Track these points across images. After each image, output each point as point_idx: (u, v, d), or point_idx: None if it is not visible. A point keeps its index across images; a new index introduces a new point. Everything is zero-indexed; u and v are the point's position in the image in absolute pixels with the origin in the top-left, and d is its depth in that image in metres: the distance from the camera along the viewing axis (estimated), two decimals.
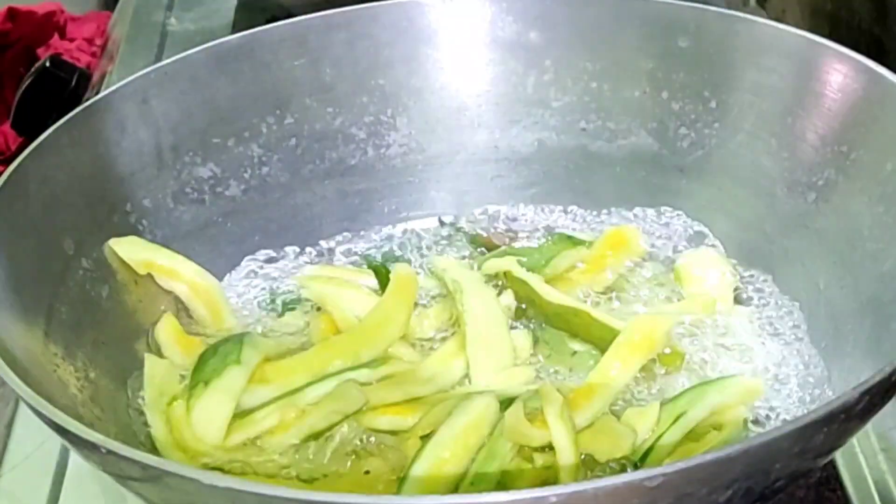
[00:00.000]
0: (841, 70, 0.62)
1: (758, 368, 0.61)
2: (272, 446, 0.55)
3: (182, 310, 0.64)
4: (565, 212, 0.72)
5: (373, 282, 0.66)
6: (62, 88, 1.09)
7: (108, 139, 0.63)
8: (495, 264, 0.65)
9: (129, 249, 0.62)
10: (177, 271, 0.63)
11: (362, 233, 0.71)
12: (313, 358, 0.59)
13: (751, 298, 0.65)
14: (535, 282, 0.63)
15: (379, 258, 0.69)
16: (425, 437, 0.54)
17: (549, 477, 0.52)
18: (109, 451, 0.42)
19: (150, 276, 0.62)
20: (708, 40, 0.68)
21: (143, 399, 0.58)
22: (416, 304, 0.63)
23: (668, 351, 0.60)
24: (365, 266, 0.68)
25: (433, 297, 0.65)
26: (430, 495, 0.51)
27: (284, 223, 0.70)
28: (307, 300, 0.66)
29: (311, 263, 0.69)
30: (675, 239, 0.69)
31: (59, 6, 1.34)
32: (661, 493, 0.39)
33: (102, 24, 1.32)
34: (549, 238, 0.68)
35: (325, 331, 0.62)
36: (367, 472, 0.54)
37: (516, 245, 0.69)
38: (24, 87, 1.12)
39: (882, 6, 0.87)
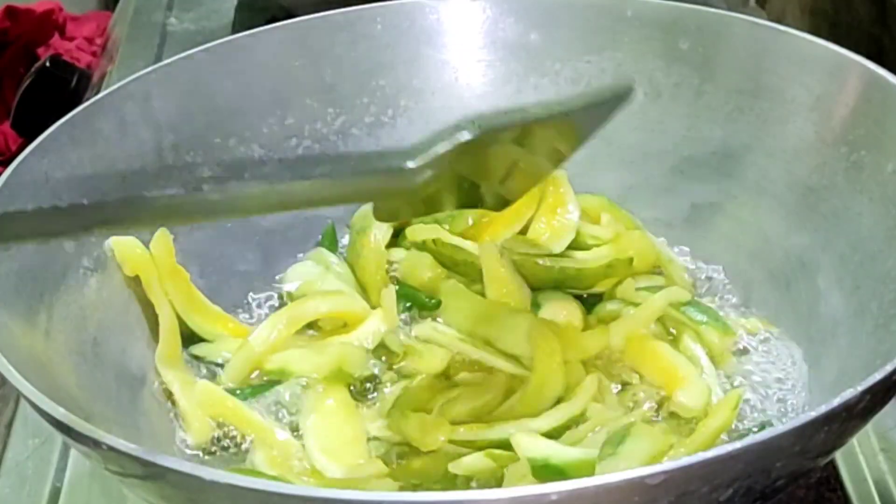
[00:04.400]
0: (841, 71, 0.62)
1: (757, 368, 0.61)
2: None
3: None
4: None
5: None
6: (62, 88, 1.09)
7: (108, 139, 0.63)
8: (421, 231, 0.66)
9: (125, 251, 0.62)
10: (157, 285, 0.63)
11: None
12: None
13: (750, 299, 0.65)
14: (463, 243, 0.65)
15: None
16: None
17: None
18: (110, 448, 0.42)
19: None
20: (708, 42, 0.68)
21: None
22: None
23: None
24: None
25: None
26: (431, 492, 0.51)
27: (285, 223, 0.70)
28: None
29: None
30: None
31: (57, 5, 1.34)
32: (662, 491, 0.39)
33: (102, 23, 1.32)
34: None
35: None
36: None
37: None
38: (24, 87, 1.12)
39: (882, 6, 0.87)
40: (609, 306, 0.63)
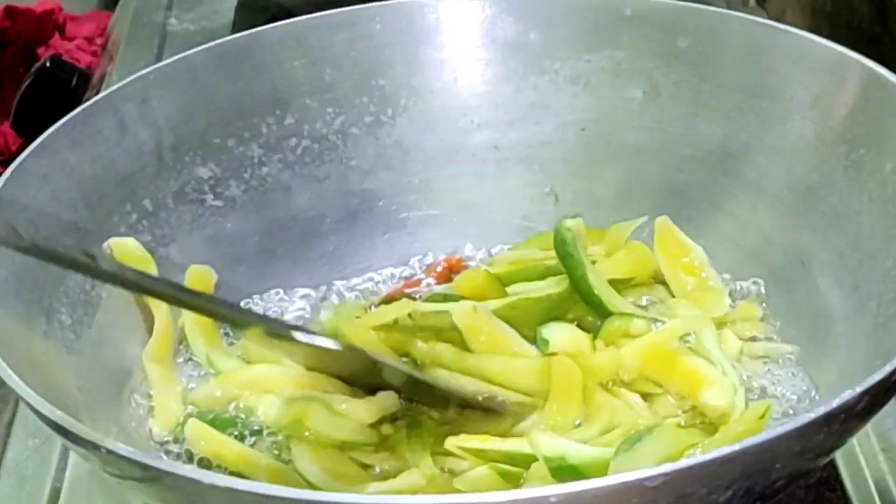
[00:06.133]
0: (841, 71, 0.62)
1: (754, 368, 0.61)
2: None
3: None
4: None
5: None
6: (62, 88, 1.09)
7: (108, 139, 0.63)
8: (391, 310, 0.62)
9: (125, 252, 0.62)
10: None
11: (363, 233, 0.71)
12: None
13: (749, 298, 0.65)
14: (440, 307, 0.61)
15: None
16: None
17: None
18: (109, 451, 0.42)
19: None
20: (708, 41, 0.68)
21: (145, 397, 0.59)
22: None
23: None
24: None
25: None
26: (428, 495, 0.51)
27: (284, 224, 0.70)
28: None
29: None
30: None
31: (57, 5, 1.34)
32: (661, 493, 0.39)
33: (102, 23, 1.32)
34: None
35: None
36: None
37: None
38: (24, 87, 1.12)
39: (882, 6, 0.87)
40: (616, 323, 0.61)
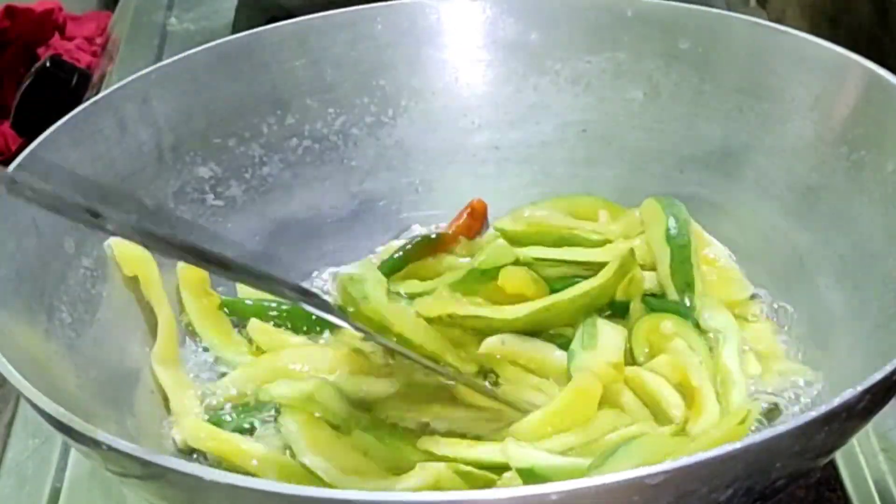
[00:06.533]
0: (841, 71, 0.62)
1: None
2: None
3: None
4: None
5: None
6: (62, 88, 1.09)
7: (108, 139, 0.64)
8: (434, 306, 0.61)
9: (125, 251, 0.62)
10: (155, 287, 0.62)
11: (363, 233, 0.71)
12: None
13: (750, 297, 0.65)
14: (489, 312, 0.61)
15: None
16: None
17: None
18: (111, 448, 0.42)
19: None
20: (708, 42, 0.68)
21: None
22: None
23: None
24: None
25: None
26: (427, 492, 0.51)
27: (285, 224, 0.70)
28: None
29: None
30: None
31: (57, 4, 1.34)
32: (661, 491, 0.39)
33: (102, 23, 1.32)
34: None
35: None
36: None
37: None
38: (24, 87, 1.12)
39: (882, 6, 0.87)
40: (646, 324, 0.62)
